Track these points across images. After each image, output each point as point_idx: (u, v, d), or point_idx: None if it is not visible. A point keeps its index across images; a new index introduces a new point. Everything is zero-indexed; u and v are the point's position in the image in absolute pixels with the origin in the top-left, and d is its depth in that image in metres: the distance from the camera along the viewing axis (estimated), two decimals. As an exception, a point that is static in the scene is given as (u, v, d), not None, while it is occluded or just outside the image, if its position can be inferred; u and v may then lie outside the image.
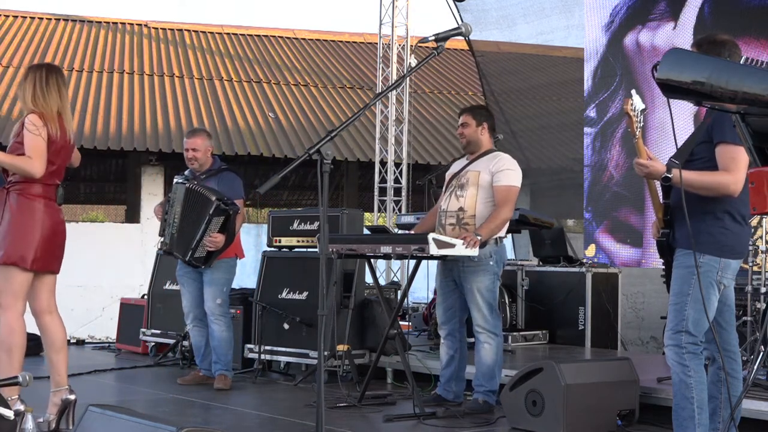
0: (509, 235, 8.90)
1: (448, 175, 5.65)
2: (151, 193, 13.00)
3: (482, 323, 5.29)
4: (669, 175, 3.72)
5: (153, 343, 8.01)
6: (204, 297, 6.27)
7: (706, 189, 3.76)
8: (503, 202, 5.29)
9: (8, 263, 4.47)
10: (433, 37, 3.93)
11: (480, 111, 5.65)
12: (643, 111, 3.72)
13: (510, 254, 10.68)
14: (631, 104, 3.69)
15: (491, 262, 5.29)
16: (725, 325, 4.00)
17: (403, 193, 10.87)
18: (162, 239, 6.26)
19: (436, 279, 5.60)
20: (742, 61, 2.17)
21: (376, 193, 11.12)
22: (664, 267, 4.06)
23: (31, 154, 4.45)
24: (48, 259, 4.58)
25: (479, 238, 5.09)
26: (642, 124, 3.74)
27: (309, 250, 6.92)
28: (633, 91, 3.75)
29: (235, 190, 6.22)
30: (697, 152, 3.84)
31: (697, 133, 3.96)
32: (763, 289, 5.75)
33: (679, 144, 3.80)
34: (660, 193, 3.95)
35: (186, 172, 6.37)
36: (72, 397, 4.56)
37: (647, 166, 3.77)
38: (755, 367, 4.33)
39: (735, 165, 3.72)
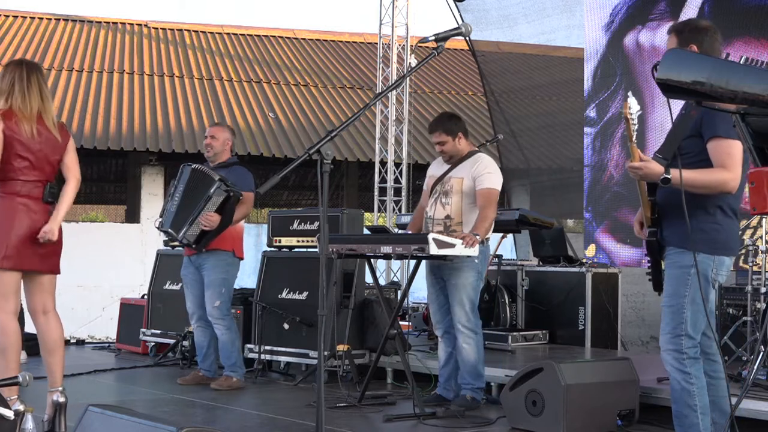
0: (510, 235, 8.91)
1: (430, 177, 5.66)
2: (151, 193, 13.00)
3: (464, 321, 5.32)
4: (668, 176, 3.55)
5: (153, 343, 8.00)
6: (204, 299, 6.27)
7: (706, 188, 3.61)
8: (486, 204, 5.34)
9: None
10: (433, 37, 3.92)
11: (449, 124, 5.55)
12: (637, 113, 3.64)
13: (510, 254, 10.70)
14: (629, 108, 3.61)
15: (476, 260, 5.31)
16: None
17: (403, 193, 10.88)
18: (160, 218, 6.21)
19: (426, 278, 5.62)
20: (742, 61, 2.17)
21: (376, 193, 11.12)
22: (650, 266, 3.92)
23: None
24: (21, 257, 4.44)
25: (478, 237, 5.12)
26: (636, 126, 3.64)
27: (309, 250, 6.92)
28: (629, 94, 3.69)
29: (246, 183, 6.18)
30: (685, 147, 3.68)
31: (680, 126, 3.77)
32: (763, 289, 5.75)
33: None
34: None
35: None
36: (62, 399, 4.39)
37: (641, 168, 3.58)
38: (755, 367, 4.33)
39: (732, 161, 3.58)
